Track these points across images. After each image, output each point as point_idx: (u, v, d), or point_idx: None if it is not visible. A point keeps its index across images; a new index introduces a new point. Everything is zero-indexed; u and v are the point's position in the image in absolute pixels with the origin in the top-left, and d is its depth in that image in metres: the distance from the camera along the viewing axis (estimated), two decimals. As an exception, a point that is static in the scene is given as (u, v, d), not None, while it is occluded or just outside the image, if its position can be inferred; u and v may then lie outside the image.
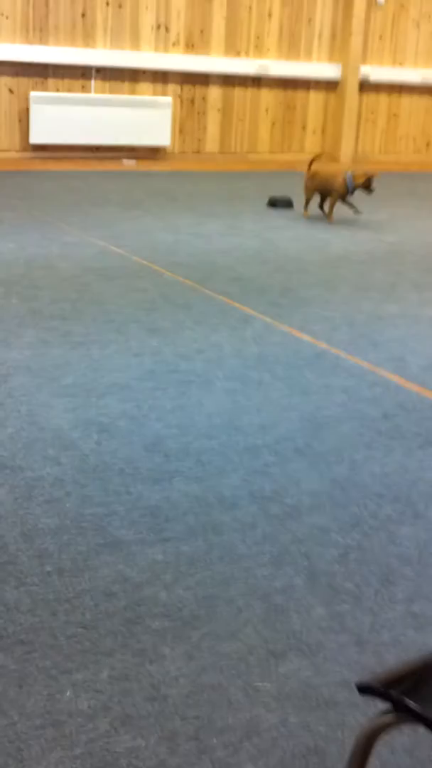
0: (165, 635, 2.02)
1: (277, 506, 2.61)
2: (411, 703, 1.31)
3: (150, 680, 1.88)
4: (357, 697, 1.86)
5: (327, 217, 6.91)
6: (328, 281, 5.20)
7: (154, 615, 2.09)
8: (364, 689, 1.35)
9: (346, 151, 10.61)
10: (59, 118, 8.95)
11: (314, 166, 6.97)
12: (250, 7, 9.91)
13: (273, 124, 10.43)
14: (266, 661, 1.97)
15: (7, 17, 8.72)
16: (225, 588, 2.21)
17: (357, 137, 10.84)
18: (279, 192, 7.89)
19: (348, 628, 2.10)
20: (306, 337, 4.15)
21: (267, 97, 10.32)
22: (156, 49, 9.52)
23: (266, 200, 7.56)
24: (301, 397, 3.43)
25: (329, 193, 6.87)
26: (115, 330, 4.07)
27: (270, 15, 10.04)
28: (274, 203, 7.45)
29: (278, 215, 7.09)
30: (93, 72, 9.25)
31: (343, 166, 8.07)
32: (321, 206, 7.09)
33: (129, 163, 9.34)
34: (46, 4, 8.87)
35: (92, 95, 9.25)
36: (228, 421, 3.16)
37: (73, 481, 2.65)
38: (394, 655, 2.02)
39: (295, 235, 6.40)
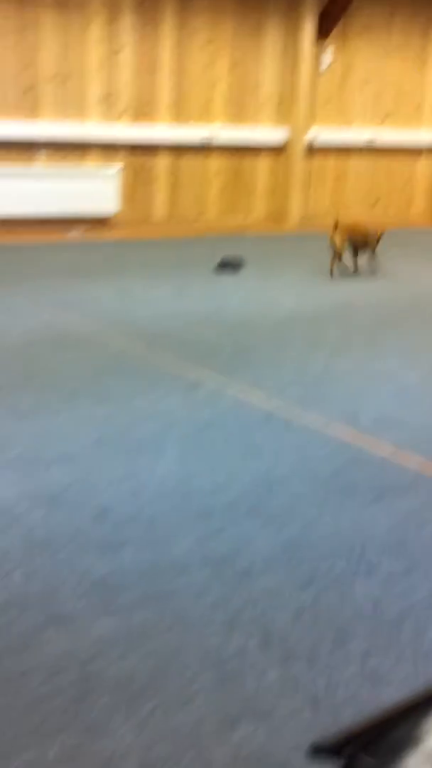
0: (115, 709, 1.98)
1: (230, 569, 2.59)
2: (365, 761, 1.29)
3: (99, 757, 1.83)
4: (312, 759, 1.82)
5: (371, 270, 7.39)
6: (279, 340, 5.25)
7: (104, 689, 2.04)
8: (316, 751, 1.33)
9: (294, 213, 10.79)
10: (5, 192, 9.01)
11: (343, 224, 7.29)
12: (196, 77, 10.14)
13: (221, 189, 10.59)
14: (219, 729, 1.93)
15: None
16: (177, 656, 2.17)
17: (306, 199, 11.04)
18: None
19: (302, 690, 2.07)
20: (257, 398, 4.16)
21: (215, 163, 10.50)
22: (103, 120, 9.67)
23: (216, 264, 7.64)
24: (253, 458, 3.43)
25: (365, 246, 7.30)
26: (64, 399, 4.05)
27: (217, 83, 10.26)
28: (225, 264, 7.53)
29: (228, 278, 7.17)
30: (40, 144, 9.35)
31: (363, 223, 8.38)
32: (355, 259, 7.44)
33: (77, 234, 9.41)
34: (-8, 82, 8.98)
35: (38, 168, 9.35)
36: (179, 485, 3.14)
37: (19, 555, 2.60)
38: (349, 714, 1.99)
39: (244, 297, 6.46)
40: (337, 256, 7.14)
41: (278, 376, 4.52)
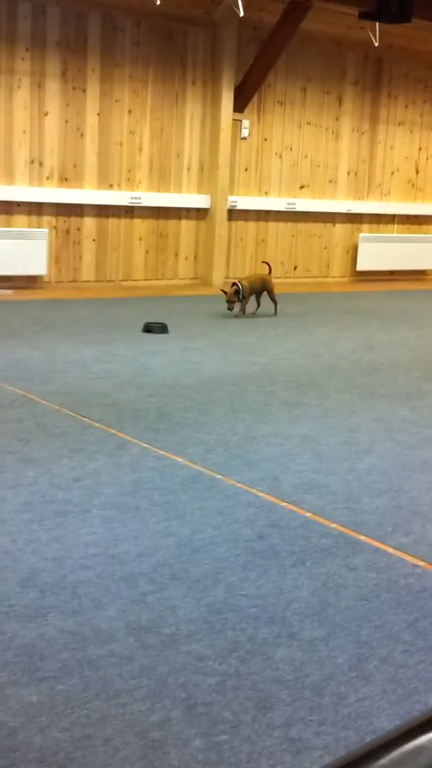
0: (39, 782, 1.97)
1: (154, 636, 2.61)
2: None
3: None
4: None
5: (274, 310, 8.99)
6: (202, 404, 5.33)
7: (29, 761, 2.04)
8: None
9: (217, 275, 10.99)
10: None
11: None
12: (121, 143, 10.33)
13: (147, 251, 10.75)
14: (144, 801, 1.94)
15: None
16: (102, 726, 2.18)
17: (228, 262, 11.27)
18: (154, 317, 8.09)
19: (226, 759, 2.10)
20: (182, 461, 4.22)
21: (140, 226, 10.66)
22: (30, 183, 9.76)
23: (141, 326, 7.73)
24: (178, 522, 3.47)
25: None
26: (-11, 462, 4.04)
27: (140, 149, 10.48)
28: (149, 329, 7.62)
29: (153, 340, 7.25)
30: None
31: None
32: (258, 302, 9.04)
33: (5, 293, 9.41)
34: None
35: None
36: (105, 551, 3.16)
37: None
38: (272, 783, 2.02)
39: (169, 360, 6.55)
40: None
41: (202, 439, 4.59)
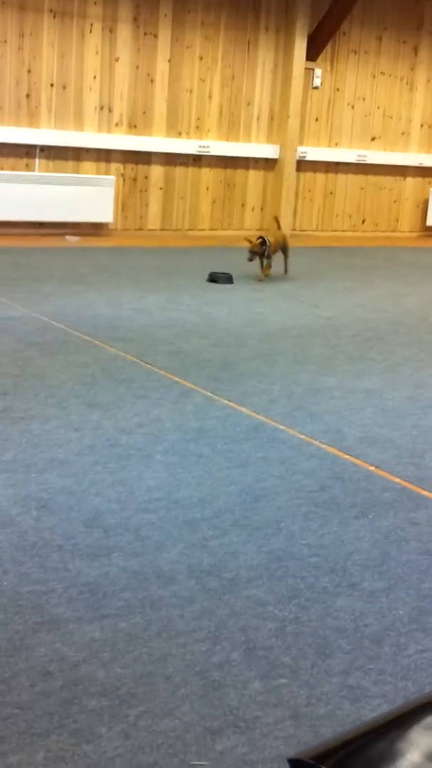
0: (101, 714, 2.02)
1: (215, 580, 2.63)
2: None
3: (86, 761, 1.87)
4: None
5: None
6: (266, 355, 5.31)
7: (91, 694, 2.08)
8: (294, 764, 1.37)
9: (284, 226, 10.88)
10: (3, 196, 9.06)
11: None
12: (191, 90, 10.23)
13: (213, 201, 10.68)
14: (203, 739, 1.97)
15: None
16: (163, 665, 2.22)
17: (295, 214, 11.14)
18: (219, 268, 8.05)
19: (284, 703, 2.12)
20: (245, 410, 4.22)
21: (207, 175, 10.58)
22: (99, 130, 9.73)
23: (206, 276, 7.70)
24: (240, 470, 3.48)
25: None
26: (55, 405, 4.10)
27: (210, 97, 10.36)
28: (214, 279, 7.59)
29: (218, 290, 7.23)
30: (37, 151, 9.41)
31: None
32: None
33: (72, 240, 9.46)
34: (-10, 85, 9.04)
35: (36, 173, 9.39)
36: (167, 495, 3.19)
37: (10, 558, 2.64)
38: (329, 728, 2.04)
39: (233, 310, 6.52)
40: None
41: (265, 389, 4.58)
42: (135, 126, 9.96)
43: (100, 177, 9.72)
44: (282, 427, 4.02)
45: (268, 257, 7.89)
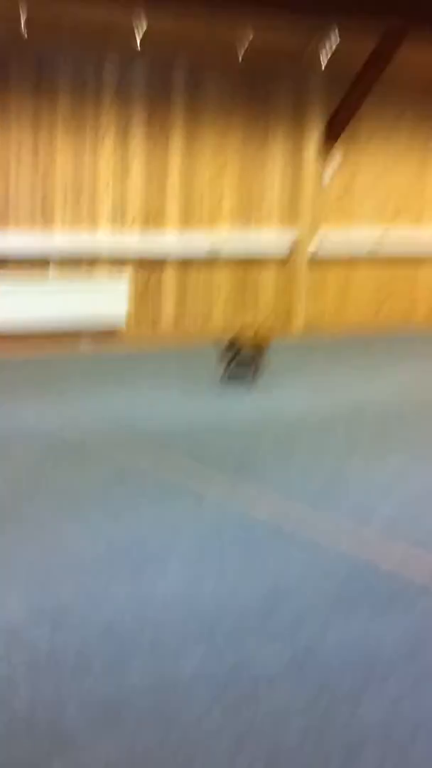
0: None
1: (235, 689, 2.56)
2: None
3: None
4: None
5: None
6: (283, 447, 5.27)
7: None
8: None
9: (298, 321, 10.98)
10: (16, 303, 9.20)
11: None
12: (203, 191, 10.45)
13: (227, 300, 10.78)
14: None
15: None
16: (181, 782, 2.13)
17: (309, 307, 11.24)
18: (239, 364, 8.06)
19: None
20: (263, 507, 4.16)
21: (221, 273, 10.71)
22: (113, 233, 9.92)
23: (223, 373, 7.71)
24: (259, 570, 3.42)
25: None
26: (73, 509, 4.06)
27: (223, 195, 10.56)
28: (233, 376, 7.59)
29: (235, 387, 7.23)
30: (50, 256, 9.59)
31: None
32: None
33: (88, 344, 9.56)
34: (6, 194, 9.29)
35: (50, 280, 9.57)
36: (184, 601, 3.13)
37: (25, 674, 2.58)
38: None
39: (249, 404, 6.52)
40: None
41: (283, 485, 4.53)
42: (148, 228, 10.16)
43: (113, 280, 9.88)
44: (304, 519, 3.96)
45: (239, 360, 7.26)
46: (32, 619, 2.96)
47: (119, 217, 9.88)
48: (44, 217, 9.45)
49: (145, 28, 8.95)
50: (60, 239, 9.54)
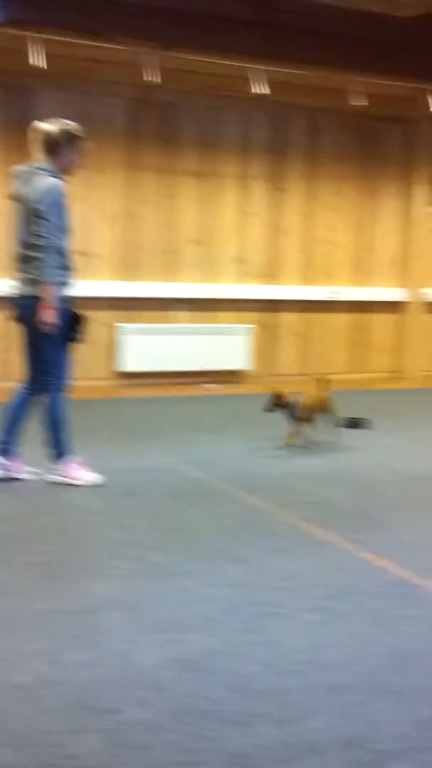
0: None
1: (362, 752, 2.61)
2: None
3: None
4: None
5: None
6: (404, 503, 5.29)
7: None
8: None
9: (415, 369, 10.94)
10: (146, 347, 9.54)
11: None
12: (322, 240, 10.61)
13: (346, 345, 10.88)
14: None
15: (100, 257, 9.52)
16: None
17: (426, 355, 11.19)
18: (353, 412, 8.12)
19: None
20: (388, 564, 4.20)
21: (339, 320, 10.83)
22: (235, 281, 10.18)
23: (341, 421, 7.78)
24: (386, 630, 3.46)
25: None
26: (197, 559, 4.20)
27: (340, 245, 10.71)
28: (350, 424, 7.66)
29: (353, 435, 7.28)
30: (178, 303, 9.90)
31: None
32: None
33: (211, 387, 9.78)
34: (136, 244, 9.67)
35: (177, 325, 9.86)
36: (312, 658, 3.20)
37: (162, 725, 2.70)
38: None
39: (368, 456, 6.55)
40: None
41: (408, 540, 4.56)
42: (269, 276, 10.36)
43: (237, 326, 10.10)
44: (427, 582, 3.99)
45: (297, 420, 6.60)
46: (167, 666, 3.09)
47: (241, 267, 10.12)
48: (170, 266, 9.78)
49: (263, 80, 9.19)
50: (185, 287, 9.85)
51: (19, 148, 8.81)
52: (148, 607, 3.61)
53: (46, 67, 8.26)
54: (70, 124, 5.35)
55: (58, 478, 5.44)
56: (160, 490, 5.44)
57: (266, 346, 10.40)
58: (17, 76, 8.87)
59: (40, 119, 8.69)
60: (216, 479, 5.73)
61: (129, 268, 9.66)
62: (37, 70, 8.22)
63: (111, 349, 9.61)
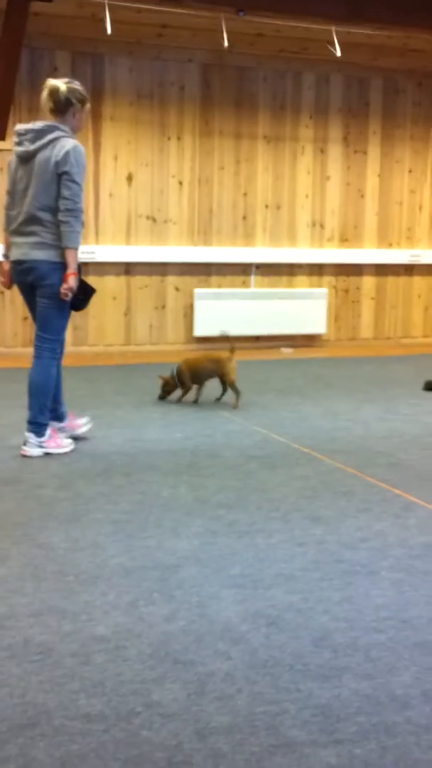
0: None
1: (452, 708, 2.54)
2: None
3: None
4: None
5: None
6: None
7: None
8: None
9: None
10: (223, 312, 9.50)
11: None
12: (401, 203, 10.38)
13: (425, 309, 10.65)
14: None
15: (175, 223, 9.49)
16: (401, 796, 2.15)
17: None
18: (435, 375, 7.96)
19: None
20: (472, 526, 4.09)
21: (419, 284, 10.60)
22: (312, 245, 10.04)
23: (422, 384, 7.63)
24: (471, 590, 3.36)
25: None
26: (278, 519, 4.15)
27: (420, 208, 10.46)
28: (430, 387, 7.51)
29: (436, 399, 7.13)
30: (253, 268, 9.82)
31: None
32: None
33: (287, 352, 9.69)
34: (210, 210, 9.60)
35: (252, 289, 9.79)
36: (396, 614, 3.13)
37: (243, 676, 2.67)
38: None
39: (454, 419, 6.39)
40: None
41: None
42: (346, 240, 10.19)
43: (313, 290, 9.98)
44: None
45: (182, 386, 6.80)
46: (248, 621, 3.05)
47: (318, 231, 9.97)
48: (246, 232, 9.69)
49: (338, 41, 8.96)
50: (261, 252, 9.76)
51: (88, 115, 8.79)
52: (228, 564, 3.58)
53: (115, 33, 8.21)
54: (80, 85, 5.12)
55: (37, 449, 5.21)
56: (239, 451, 5.40)
57: (343, 310, 10.26)
58: (88, 44, 8.85)
59: (113, 87, 8.64)
60: (294, 441, 5.66)
61: (204, 234, 9.60)
62: (107, 36, 8.18)
63: (187, 314, 9.60)
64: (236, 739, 2.35)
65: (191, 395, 6.90)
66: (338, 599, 3.26)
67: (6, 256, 5.26)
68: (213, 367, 6.76)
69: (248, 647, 2.86)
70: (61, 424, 5.51)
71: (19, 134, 5.08)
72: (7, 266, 5.29)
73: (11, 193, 5.16)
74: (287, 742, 2.34)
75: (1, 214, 5.73)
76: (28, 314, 5.46)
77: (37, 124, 5.04)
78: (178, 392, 6.92)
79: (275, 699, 2.55)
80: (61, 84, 5.03)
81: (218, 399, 6.92)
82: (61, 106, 5.03)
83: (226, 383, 6.79)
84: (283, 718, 2.45)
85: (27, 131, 5.05)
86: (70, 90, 5.04)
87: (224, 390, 6.89)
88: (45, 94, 5.05)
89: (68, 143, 4.97)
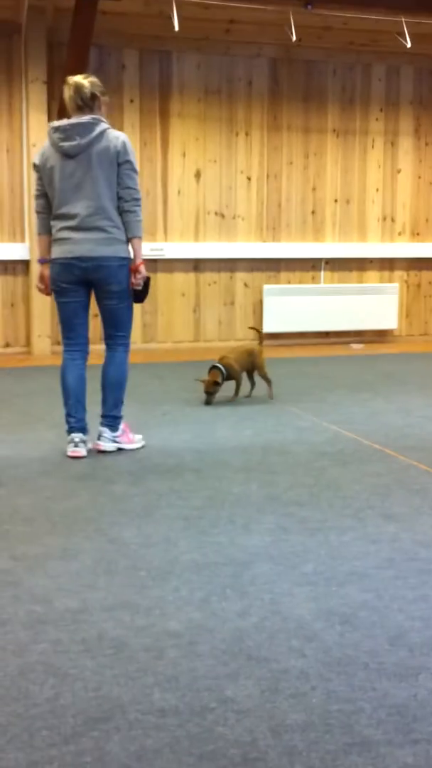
0: None
1: None
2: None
3: None
4: None
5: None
6: None
7: None
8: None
9: None
10: (292, 307, 9.45)
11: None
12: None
13: None
14: None
15: (243, 219, 9.47)
16: None
17: None
18: None
19: None
20: None
21: None
22: (382, 240, 9.93)
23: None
24: None
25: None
26: (351, 516, 4.11)
27: None
28: None
29: None
30: (322, 264, 9.75)
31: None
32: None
33: (357, 347, 9.60)
34: (279, 205, 9.56)
35: (322, 285, 9.72)
36: (473, 614, 3.06)
37: (318, 674, 2.64)
38: None
39: None
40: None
41: None
42: (418, 233, 10.05)
43: (383, 285, 9.86)
44: None
45: (237, 382, 6.79)
46: (322, 618, 3.02)
47: (389, 225, 9.85)
48: (315, 227, 9.62)
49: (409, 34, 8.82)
50: (331, 247, 9.69)
51: (156, 112, 8.84)
52: (300, 561, 3.55)
53: (182, 30, 8.22)
54: (96, 78, 5.10)
55: (111, 444, 5.23)
56: (310, 448, 5.36)
57: (414, 305, 10.11)
58: (156, 41, 8.88)
59: (181, 84, 8.66)
60: (366, 438, 5.59)
61: (273, 229, 9.57)
62: (175, 33, 8.20)
63: (256, 310, 9.58)
64: (311, 737, 2.32)
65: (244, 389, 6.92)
66: (413, 597, 3.20)
67: (44, 259, 5.15)
68: (250, 360, 6.83)
69: (322, 645, 2.83)
70: (85, 437, 5.24)
71: (64, 130, 4.97)
72: (47, 272, 5.16)
73: (60, 190, 4.98)
74: (363, 741, 2.30)
75: (33, 217, 5.69)
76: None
77: (83, 118, 4.97)
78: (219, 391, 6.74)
79: (350, 697, 2.51)
80: (83, 80, 5.04)
81: (248, 395, 6.89)
82: (89, 101, 5.02)
83: (253, 375, 6.89)
84: (358, 717, 2.42)
85: (72, 126, 4.97)
86: (93, 84, 5.07)
87: (253, 384, 6.90)
88: (71, 92, 5.02)
89: (119, 134, 5.02)
